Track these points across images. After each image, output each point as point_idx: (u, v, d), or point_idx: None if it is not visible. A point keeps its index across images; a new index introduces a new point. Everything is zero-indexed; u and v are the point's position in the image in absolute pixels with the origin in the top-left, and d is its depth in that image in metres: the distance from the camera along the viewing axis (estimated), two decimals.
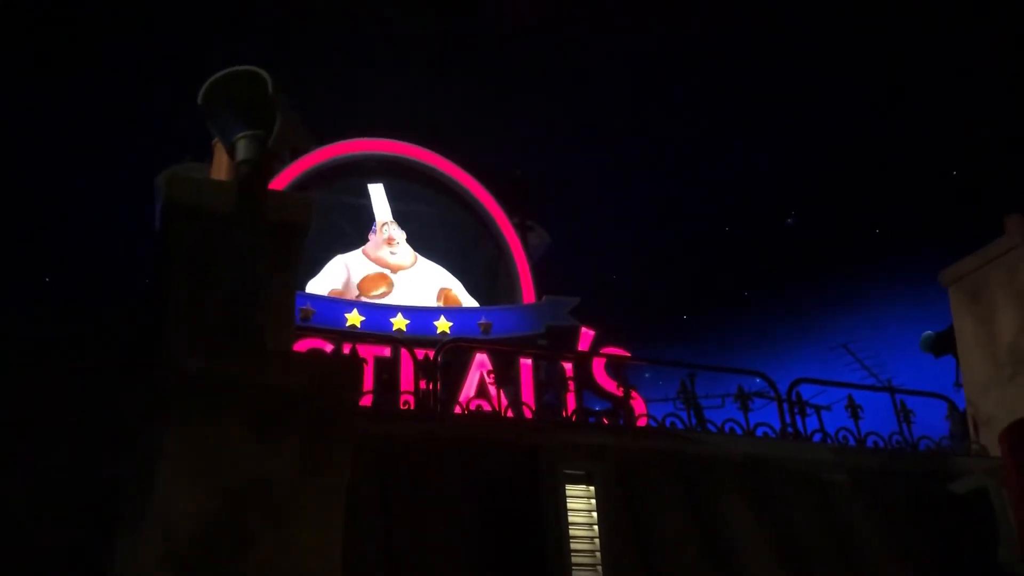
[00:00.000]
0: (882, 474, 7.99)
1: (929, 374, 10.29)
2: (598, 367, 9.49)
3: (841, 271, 22.36)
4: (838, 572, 7.35)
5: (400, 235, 11.96)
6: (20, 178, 21.32)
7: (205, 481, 4.88)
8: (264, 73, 5.90)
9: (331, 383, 5.40)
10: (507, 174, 13.22)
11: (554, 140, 22.75)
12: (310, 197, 6.60)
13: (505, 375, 9.25)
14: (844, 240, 22.96)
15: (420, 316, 10.94)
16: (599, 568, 6.66)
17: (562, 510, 6.72)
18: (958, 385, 9.36)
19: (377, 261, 11.78)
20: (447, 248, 12.21)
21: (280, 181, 10.99)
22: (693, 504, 7.34)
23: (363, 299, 11.21)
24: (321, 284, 11.28)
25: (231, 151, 6.03)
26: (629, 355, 10.22)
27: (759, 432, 7.97)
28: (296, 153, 10.88)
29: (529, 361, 9.54)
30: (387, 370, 8.88)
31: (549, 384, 9.51)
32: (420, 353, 7.97)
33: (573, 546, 6.66)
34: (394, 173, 12.42)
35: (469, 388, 9.00)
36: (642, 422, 8.73)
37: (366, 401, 7.53)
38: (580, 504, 6.87)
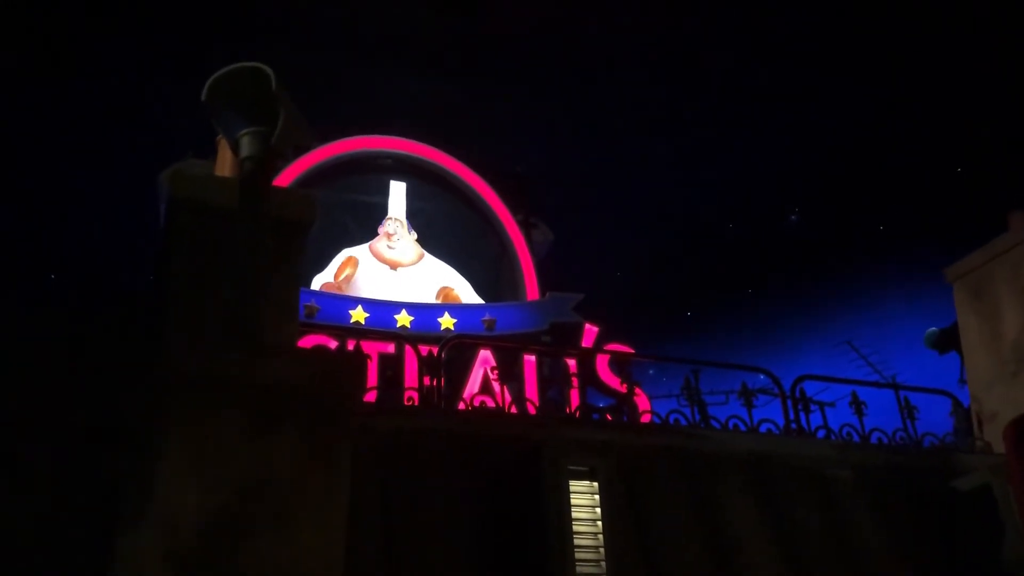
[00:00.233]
0: (886, 471, 7.97)
1: (933, 371, 10.26)
2: (602, 363, 9.50)
3: (845, 268, 22.39)
4: (841, 569, 7.34)
5: (400, 231, 11.97)
6: (20, 178, 21.32)
7: (206, 478, 4.86)
8: (267, 69, 5.89)
9: (333, 379, 5.39)
10: (509, 171, 13.24)
11: (557, 138, 22.78)
12: (314, 194, 6.58)
13: (509, 371, 9.26)
14: (848, 237, 22.98)
15: (424, 313, 10.96)
16: (602, 563, 6.64)
17: (565, 506, 6.72)
18: (962, 382, 9.34)
19: (376, 254, 11.80)
20: (451, 245, 12.23)
21: (285, 177, 11.02)
22: (696, 500, 7.32)
23: (331, 286, 11.27)
24: (328, 277, 11.35)
25: (235, 147, 6.02)
26: (633, 351, 10.20)
27: (763, 428, 7.96)
28: (299, 150, 10.89)
29: (533, 357, 9.57)
30: (391, 366, 8.88)
31: (553, 380, 9.54)
32: (424, 349, 7.97)
33: (576, 541, 6.64)
34: (399, 170, 12.46)
35: (473, 384, 9.02)
36: (646, 418, 8.71)
37: (370, 397, 7.52)
38: (583, 500, 6.86)
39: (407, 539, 6.44)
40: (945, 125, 21.31)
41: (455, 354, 8.55)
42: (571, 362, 9.34)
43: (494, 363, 9.05)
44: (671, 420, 7.80)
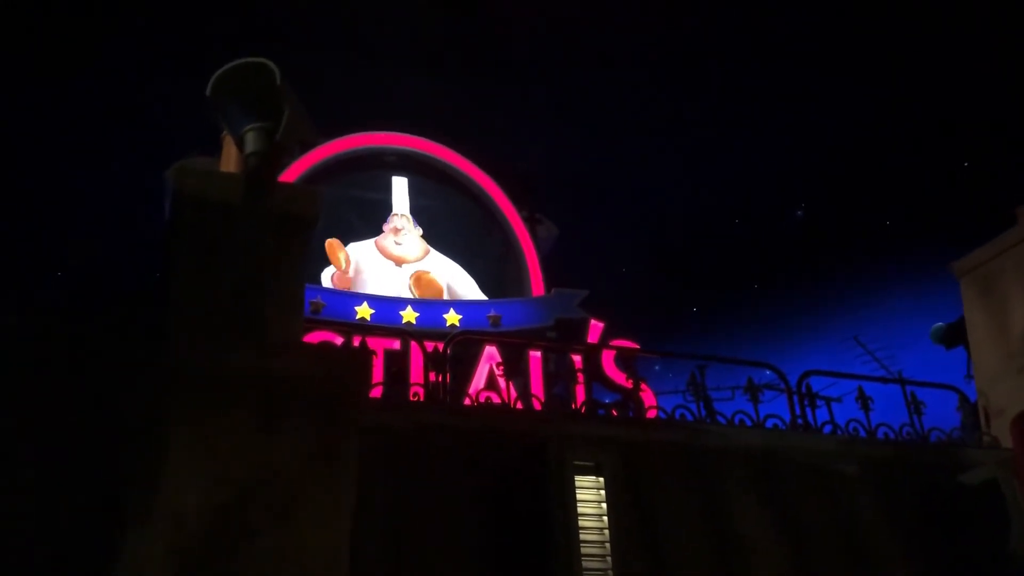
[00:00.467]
0: (893, 466, 7.96)
1: (940, 366, 10.24)
2: (607, 359, 9.48)
3: (852, 263, 22.38)
4: (848, 563, 7.33)
5: (408, 227, 11.97)
6: (20, 178, 21.33)
7: (210, 474, 4.85)
8: (272, 65, 5.87)
9: (338, 376, 5.37)
10: (514, 167, 13.22)
11: (560, 136, 22.78)
12: (319, 190, 6.57)
13: (514, 367, 9.26)
14: (855, 232, 22.96)
15: (430, 309, 10.96)
16: (608, 558, 6.65)
17: (571, 501, 6.72)
18: (969, 376, 9.32)
19: (384, 252, 11.81)
20: (456, 241, 12.22)
21: (290, 174, 11.02)
22: (702, 496, 7.31)
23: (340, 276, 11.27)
24: (329, 271, 11.37)
25: (239, 143, 6.00)
26: (638, 347, 10.19)
27: (769, 424, 7.95)
28: (305, 146, 10.89)
29: (538, 353, 9.56)
30: (397, 362, 8.88)
31: (558, 376, 9.51)
32: (430, 345, 7.97)
33: (582, 537, 6.66)
34: (404, 167, 12.45)
35: (479, 380, 9.01)
36: (651, 414, 8.70)
37: (376, 393, 7.51)
38: (589, 495, 6.87)
39: (412, 534, 6.44)
40: (947, 123, 21.30)
41: (460, 350, 8.55)
42: (577, 358, 9.34)
43: (500, 359, 9.06)
44: (677, 416, 7.78)
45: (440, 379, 7.66)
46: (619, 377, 9.41)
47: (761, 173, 23.86)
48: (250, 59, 5.93)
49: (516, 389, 8.94)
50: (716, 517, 7.23)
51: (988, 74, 20.49)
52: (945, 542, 7.64)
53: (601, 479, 6.91)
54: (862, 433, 8.13)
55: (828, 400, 8.39)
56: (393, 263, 11.76)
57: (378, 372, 8.65)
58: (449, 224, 12.37)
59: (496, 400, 8.04)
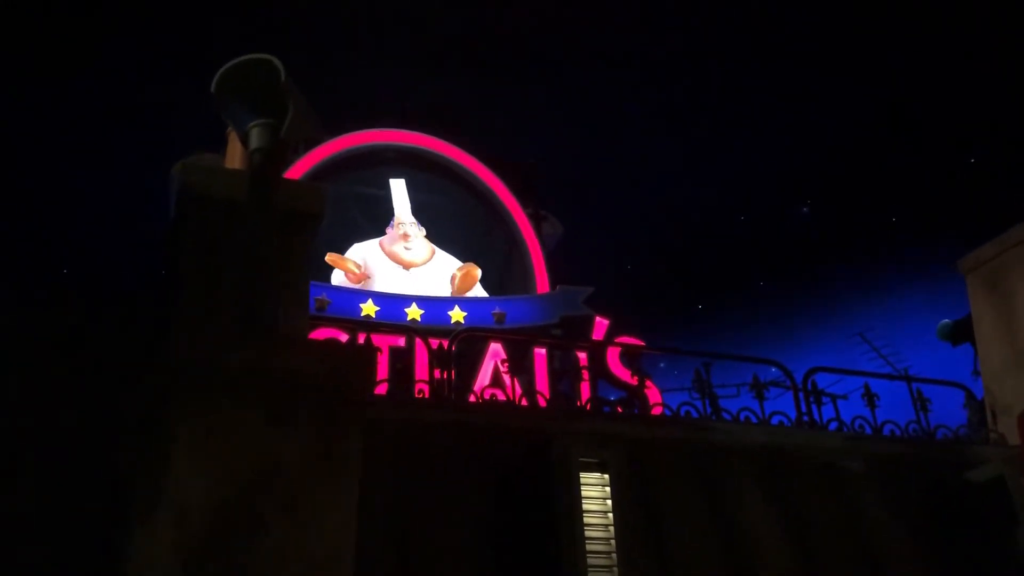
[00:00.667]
0: (899, 463, 7.94)
1: (947, 362, 10.21)
2: (613, 356, 9.45)
3: (857, 260, 22.39)
4: (853, 560, 7.32)
5: (417, 232, 11.97)
6: (20, 178, 21.34)
7: (217, 469, 4.86)
8: (276, 61, 5.86)
9: (344, 372, 5.36)
10: (519, 164, 13.19)
11: (563, 135, 22.79)
12: (324, 186, 6.55)
13: (519, 364, 9.24)
14: (860, 229, 22.96)
15: (434, 306, 10.94)
16: (613, 555, 6.63)
17: (576, 498, 6.71)
18: (976, 373, 9.29)
19: (391, 255, 11.81)
20: (460, 238, 12.20)
21: (295, 172, 11.01)
22: (708, 493, 7.30)
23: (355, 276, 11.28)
24: (338, 272, 11.37)
25: (244, 140, 5.99)
26: (644, 344, 10.15)
27: (775, 421, 7.91)
28: (310, 143, 10.88)
29: (543, 350, 9.53)
30: (402, 359, 8.86)
31: (563, 373, 9.50)
32: (435, 342, 7.95)
33: (587, 533, 6.64)
34: (409, 163, 12.44)
35: (484, 377, 8.98)
36: (657, 411, 8.68)
37: (381, 390, 7.50)
38: (594, 492, 6.85)
39: (417, 531, 6.43)
40: (951, 121, 21.29)
41: (465, 347, 8.52)
42: (582, 355, 9.31)
43: (504, 356, 9.02)
44: (682, 413, 7.76)
45: (445, 376, 7.65)
46: (624, 374, 9.38)
47: (764, 172, 23.89)
48: (255, 55, 5.92)
49: (521, 386, 8.94)
50: (721, 514, 7.22)
51: (992, 71, 20.49)
52: (951, 539, 7.61)
53: (606, 476, 6.89)
54: (868, 430, 8.11)
55: (834, 397, 8.38)
56: (401, 267, 11.76)
57: (383, 369, 8.63)
58: (453, 221, 12.35)
59: (501, 397, 8.00)
